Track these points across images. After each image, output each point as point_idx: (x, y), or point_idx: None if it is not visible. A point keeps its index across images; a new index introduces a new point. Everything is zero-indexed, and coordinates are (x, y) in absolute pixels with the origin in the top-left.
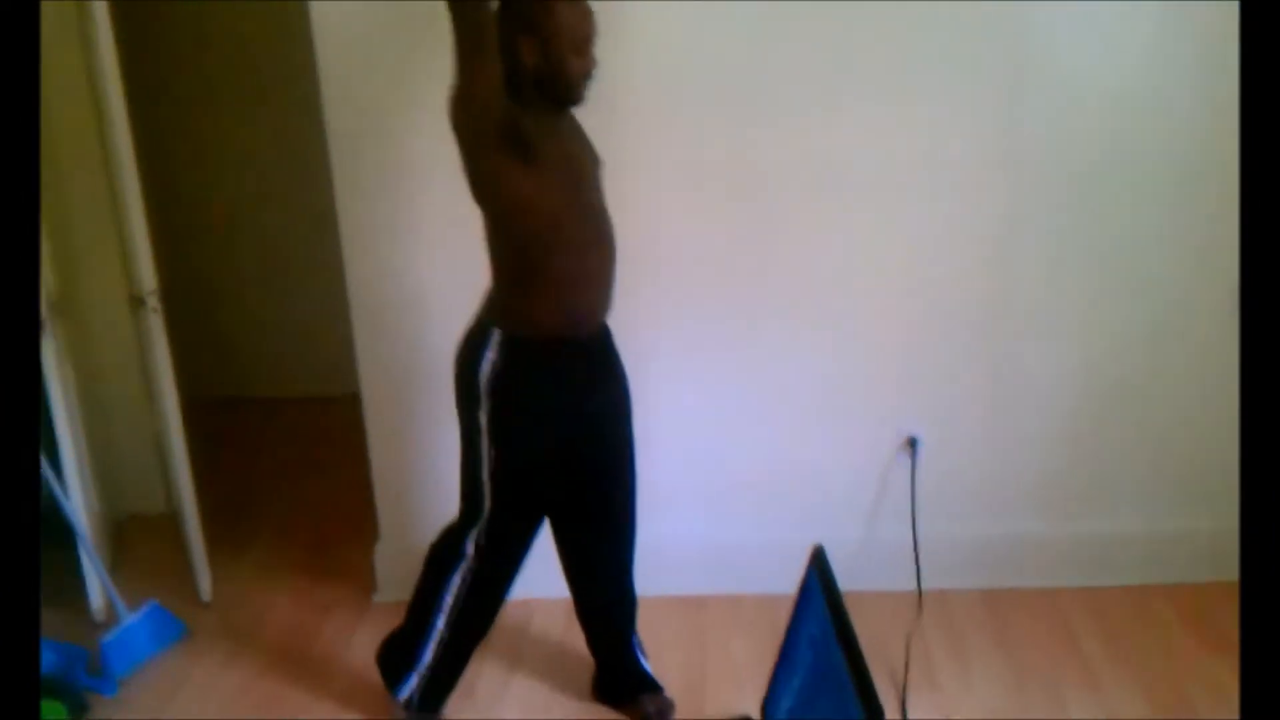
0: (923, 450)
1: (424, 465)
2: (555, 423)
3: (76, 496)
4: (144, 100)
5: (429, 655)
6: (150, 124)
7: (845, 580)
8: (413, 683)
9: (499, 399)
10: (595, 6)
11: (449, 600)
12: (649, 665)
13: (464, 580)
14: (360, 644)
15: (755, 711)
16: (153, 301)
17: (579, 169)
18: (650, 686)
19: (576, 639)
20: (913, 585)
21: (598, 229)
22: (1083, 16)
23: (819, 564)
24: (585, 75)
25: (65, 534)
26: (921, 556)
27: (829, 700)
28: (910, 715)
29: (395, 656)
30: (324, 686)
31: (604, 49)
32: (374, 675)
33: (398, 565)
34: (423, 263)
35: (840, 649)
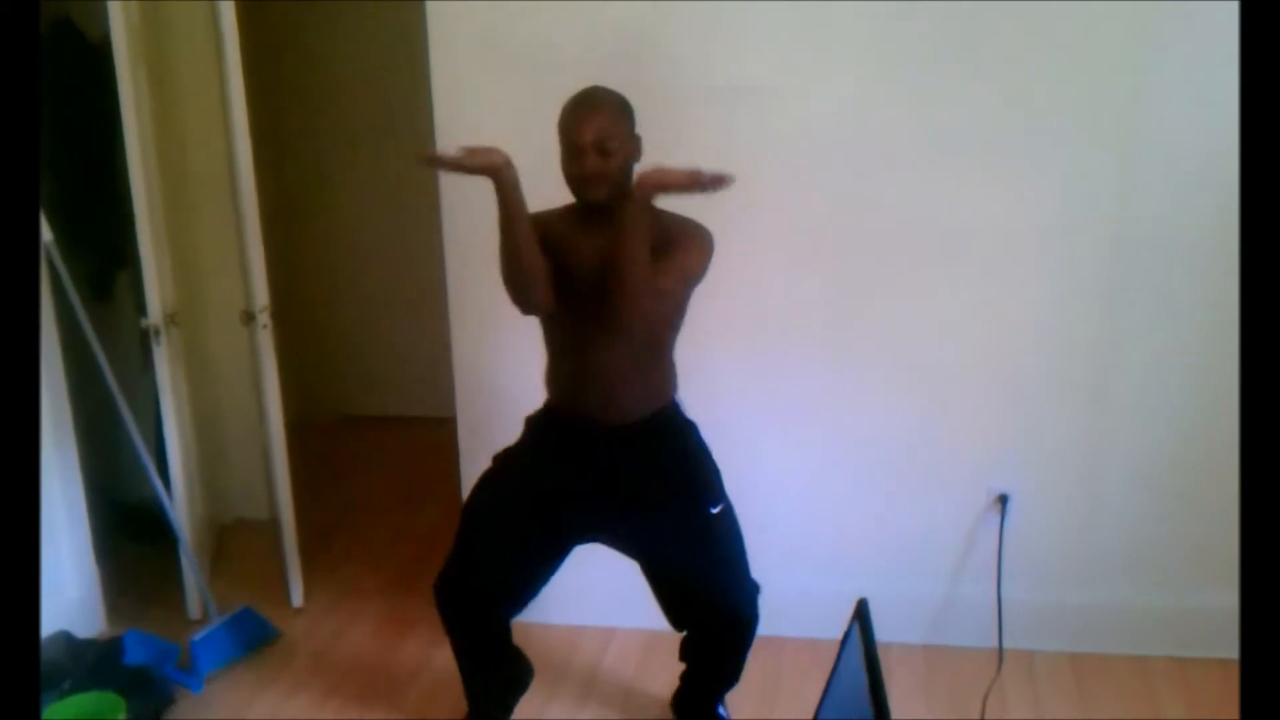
0: (1014, 510)
1: None
2: (524, 482)
3: (181, 500)
4: (268, 139)
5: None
6: (273, 163)
7: (928, 633)
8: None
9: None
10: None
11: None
12: (726, 713)
13: None
14: (439, 660)
15: None
16: (264, 318)
17: (574, 271)
18: None
19: (651, 670)
20: (996, 643)
21: (579, 329)
22: (1195, 89)
23: (861, 617)
24: (574, 178)
25: (168, 535)
26: (1008, 616)
27: None
28: None
29: None
30: (402, 697)
31: (706, 99)
32: (449, 690)
33: None
34: None
35: (871, 704)
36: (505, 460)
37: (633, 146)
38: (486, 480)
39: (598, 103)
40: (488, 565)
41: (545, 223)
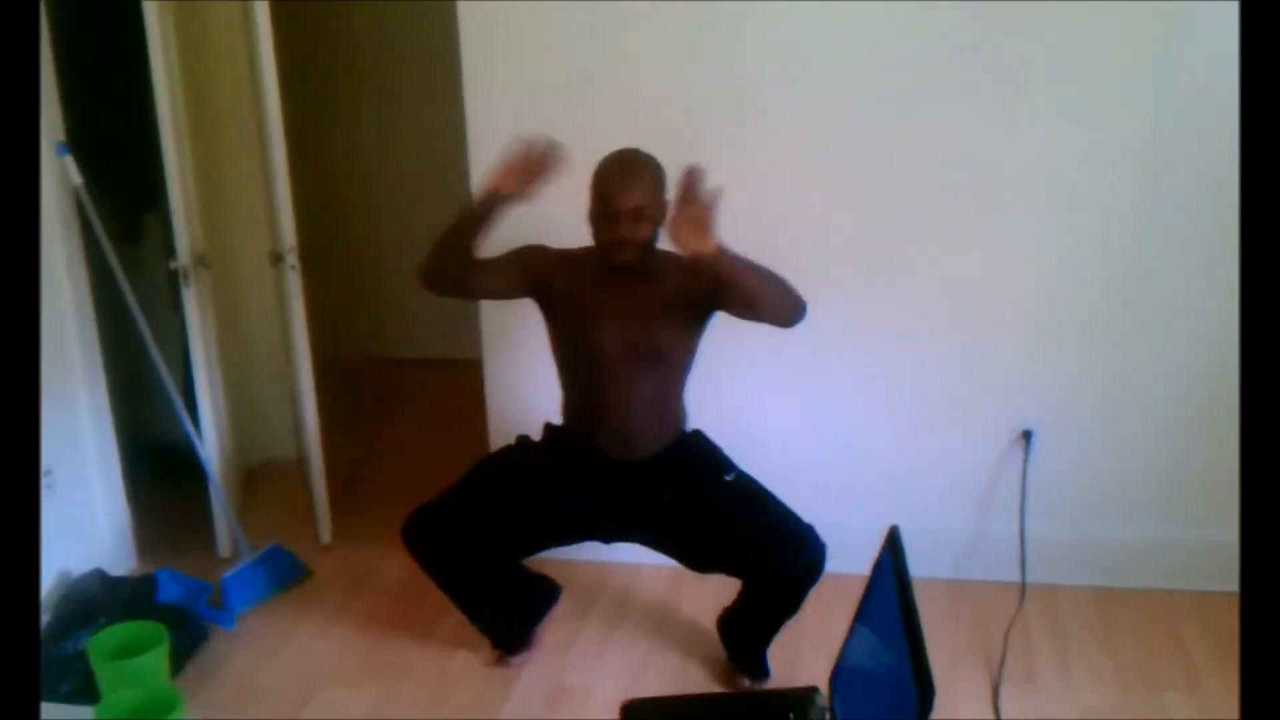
0: (1038, 445)
1: (537, 431)
2: (536, 476)
3: (210, 440)
4: (297, 79)
5: None
6: (301, 103)
7: (953, 568)
8: None
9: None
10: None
11: None
12: (768, 656)
13: None
14: None
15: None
16: (292, 259)
17: (599, 324)
18: (757, 671)
19: (678, 604)
20: (1020, 577)
21: (599, 377)
22: (1231, 26)
23: (893, 545)
24: (605, 241)
25: (198, 474)
26: (1032, 550)
27: (889, 676)
28: (1003, 705)
29: None
30: (431, 630)
31: (736, 47)
32: None
33: None
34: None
35: (902, 629)
36: (526, 448)
37: (663, 212)
38: (505, 455)
39: (640, 171)
40: (466, 525)
41: (565, 263)
